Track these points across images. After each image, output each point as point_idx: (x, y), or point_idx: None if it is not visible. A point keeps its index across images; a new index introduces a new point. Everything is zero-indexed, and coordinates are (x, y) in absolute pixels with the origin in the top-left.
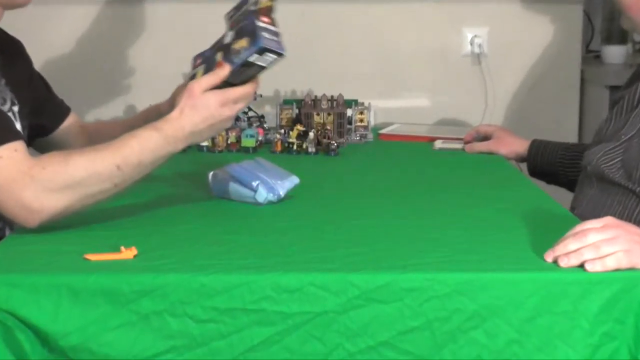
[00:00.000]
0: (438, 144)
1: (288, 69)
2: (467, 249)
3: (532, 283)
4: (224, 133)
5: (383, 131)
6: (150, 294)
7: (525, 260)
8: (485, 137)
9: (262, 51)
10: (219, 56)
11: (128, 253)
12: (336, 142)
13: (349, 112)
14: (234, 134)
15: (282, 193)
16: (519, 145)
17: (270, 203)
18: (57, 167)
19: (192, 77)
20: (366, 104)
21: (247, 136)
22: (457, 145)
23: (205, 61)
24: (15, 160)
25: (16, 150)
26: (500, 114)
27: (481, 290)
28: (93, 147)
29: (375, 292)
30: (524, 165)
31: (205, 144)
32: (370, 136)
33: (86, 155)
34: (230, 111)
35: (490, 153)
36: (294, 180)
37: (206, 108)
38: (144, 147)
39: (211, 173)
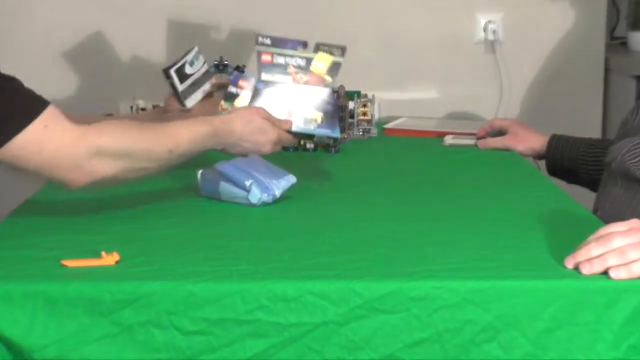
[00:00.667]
0: (448, 140)
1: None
2: (480, 255)
3: (551, 291)
4: None
5: (388, 126)
6: (133, 303)
7: (543, 267)
8: (500, 132)
9: (333, 138)
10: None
11: (109, 259)
12: None
13: (351, 104)
14: None
15: (277, 193)
16: (536, 141)
17: (265, 204)
18: (115, 135)
19: (232, 96)
20: (369, 96)
21: None
22: (469, 141)
23: (255, 92)
24: (62, 126)
25: (54, 116)
26: (516, 106)
27: (496, 299)
28: (149, 125)
29: (380, 301)
30: (542, 163)
31: None
32: (374, 131)
33: (144, 131)
34: (270, 149)
35: (505, 149)
36: (291, 179)
37: (259, 131)
38: (194, 138)
39: (200, 172)
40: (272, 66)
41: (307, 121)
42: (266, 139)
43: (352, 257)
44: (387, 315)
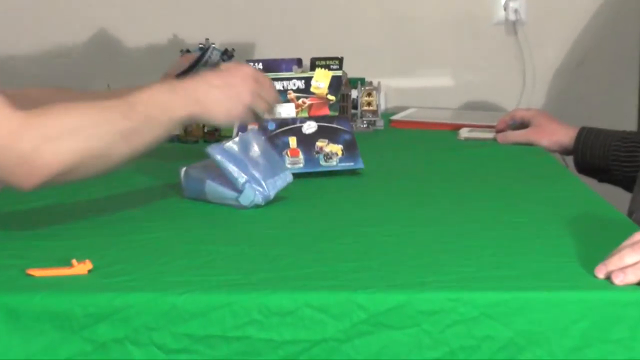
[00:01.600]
0: (464, 133)
1: (280, 41)
2: (499, 263)
3: (580, 305)
4: None
5: (396, 117)
6: (108, 318)
7: (571, 277)
8: (523, 125)
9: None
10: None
11: (81, 267)
12: None
13: (354, 93)
14: None
15: (271, 194)
16: (563, 134)
17: (257, 206)
18: (56, 113)
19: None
20: (375, 84)
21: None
22: (488, 135)
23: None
24: (2, 113)
25: None
26: (541, 95)
27: (517, 313)
28: (103, 94)
29: (386, 315)
30: (570, 159)
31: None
32: (380, 123)
33: (95, 101)
34: (251, 97)
35: (529, 144)
36: (287, 177)
37: (228, 72)
38: (152, 95)
39: (183, 169)
40: None
41: (328, 156)
42: (242, 81)
43: (355, 266)
44: (394, 332)
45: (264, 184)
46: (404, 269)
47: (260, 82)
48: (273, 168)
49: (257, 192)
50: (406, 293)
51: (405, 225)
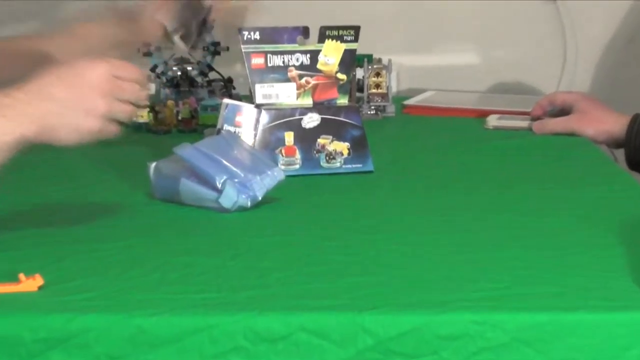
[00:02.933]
0: (492, 121)
1: (271, 11)
2: (535, 278)
3: (632, 328)
4: (172, 105)
5: (410, 102)
6: (63, 343)
7: (622, 295)
8: (563, 111)
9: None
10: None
11: (30, 283)
12: None
13: (360, 73)
14: (187, 105)
15: (259, 194)
16: (612, 123)
17: (242, 209)
18: None
19: None
20: (385, 62)
21: (206, 109)
22: (521, 123)
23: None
24: None
25: None
26: (586, 75)
27: (557, 338)
28: None
29: (398, 341)
30: (620, 153)
31: (143, 119)
32: (390, 109)
33: None
34: (107, 88)
35: (571, 134)
36: (278, 174)
37: (82, 74)
38: None
39: (153, 165)
40: (267, 72)
41: (331, 156)
42: (91, 87)
43: (361, 281)
44: None
45: (247, 181)
46: (420, 284)
47: (118, 80)
48: (259, 164)
49: (240, 192)
50: (422, 314)
51: (421, 232)
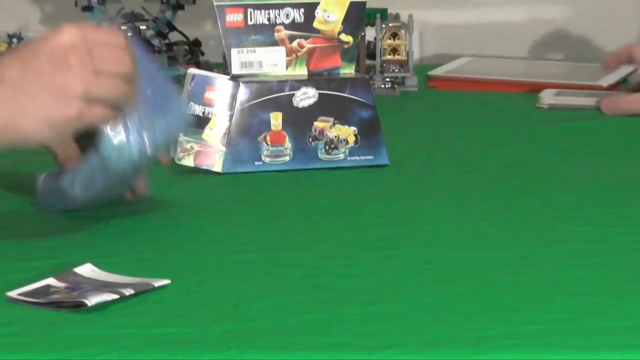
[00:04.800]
0: (548, 98)
1: None
2: (604, 306)
3: None
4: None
5: (437, 72)
6: None
7: None
8: None
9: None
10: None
11: None
12: None
13: (371, 33)
14: None
15: (148, 148)
16: None
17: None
18: None
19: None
20: (404, 18)
21: None
22: (586, 100)
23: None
24: None
25: None
26: None
27: None
28: None
29: None
30: None
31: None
32: (412, 82)
33: None
34: (84, 60)
35: None
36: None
37: (50, 43)
38: None
39: (42, 176)
40: (246, 33)
41: (332, 145)
42: (62, 59)
43: (371, 311)
44: None
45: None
46: (451, 316)
47: (95, 48)
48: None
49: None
50: (453, 355)
51: (452, 247)
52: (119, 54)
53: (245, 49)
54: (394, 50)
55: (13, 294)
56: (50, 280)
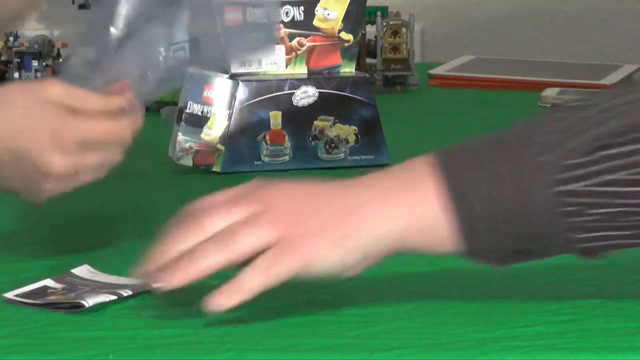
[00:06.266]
0: (550, 96)
1: None
2: (609, 308)
3: None
4: None
5: (439, 70)
6: None
7: None
8: None
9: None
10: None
11: None
12: None
13: (371, 31)
14: None
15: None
16: None
17: None
18: None
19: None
20: (405, 16)
21: None
22: None
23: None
24: None
25: None
26: None
27: None
28: None
29: None
30: None
31: None
32: (413, 80)
33: None
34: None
35: None
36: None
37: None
38: None
39: None
40: (245, 31)
41: (332, 144)
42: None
43: (374, 312)
44: None
45: None
46: (452, 317)
47: (74, 117)
48: None
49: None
50: (455, 356)
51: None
52: (101, 124)
53: (244, 47)
54: (395, 49)
55: (10, 295)
56: (48, 282)
